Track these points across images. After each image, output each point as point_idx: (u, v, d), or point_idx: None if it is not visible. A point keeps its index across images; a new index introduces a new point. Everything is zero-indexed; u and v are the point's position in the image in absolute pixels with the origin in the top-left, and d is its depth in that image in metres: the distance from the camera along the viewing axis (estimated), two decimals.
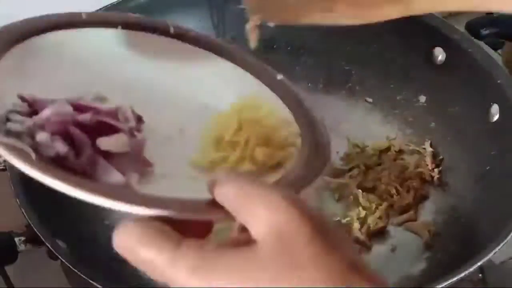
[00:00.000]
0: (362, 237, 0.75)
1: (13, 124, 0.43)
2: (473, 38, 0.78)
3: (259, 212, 0.37)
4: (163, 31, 0.60)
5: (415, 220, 0.77)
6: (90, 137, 0.45)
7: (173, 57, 0.59)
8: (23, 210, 0.61)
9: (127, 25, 0.59)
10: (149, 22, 0.61)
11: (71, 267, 0.58)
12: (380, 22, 0.81)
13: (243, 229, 0.38)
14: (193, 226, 0.40)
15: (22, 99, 0.46)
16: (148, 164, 0.47)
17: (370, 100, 0.86)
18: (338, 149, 0.83)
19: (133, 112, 0.49)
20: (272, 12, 0.61)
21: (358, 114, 0.86)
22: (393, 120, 0.84)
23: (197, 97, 0.56)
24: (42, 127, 0.44)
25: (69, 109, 0.46)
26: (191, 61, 0.60)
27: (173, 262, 0.37)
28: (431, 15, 0.81)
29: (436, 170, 0.79)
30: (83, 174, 0.44)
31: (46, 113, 0.45)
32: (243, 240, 0.37)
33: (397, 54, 0.83)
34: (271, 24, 0.67)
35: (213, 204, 0.40)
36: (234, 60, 0.60)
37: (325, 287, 0.35)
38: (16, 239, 0.62)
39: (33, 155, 0.42)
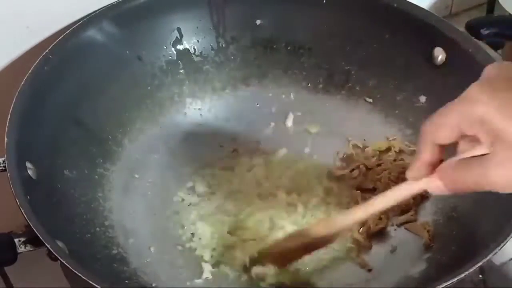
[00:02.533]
0: (362, 238, 0.75)
1: None
2: (473, 38, 0.77)
3: None
4: None
5: (415, 220, 0.77)
6: None
7: None
8: (23, 211, 0.61)
9: None
10: None
11: (70, 268, 0.58)
12: (381, 22, 0.82)
13: None
14: None
15: None
16: None
17: (370, 100, 0.85)
18: (338, 150, 0.84)
19: None
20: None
21: (358, 114, 0.86)
22: (393, 120, 0.84)
23: None
24: None
25: None
26: None
27: None
28: (431, 15, 0.81)
29: None
30: None
31: None
32: None
33: (397, 54, 0.83)
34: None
35: None
36: None
37: None
38: (16, 240, 0.62)
39: None
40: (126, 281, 0.69)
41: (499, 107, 0.48)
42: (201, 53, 0.86)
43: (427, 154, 0.54)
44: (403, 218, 0.77)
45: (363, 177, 0.80)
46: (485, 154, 0.50)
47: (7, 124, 0.67)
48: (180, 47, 0.85)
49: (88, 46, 0.77)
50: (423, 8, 0.81)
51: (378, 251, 0.75)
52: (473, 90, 0.50)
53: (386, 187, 0.78)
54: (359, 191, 0.79)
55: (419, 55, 0.81)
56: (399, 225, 0.77)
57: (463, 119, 0.50)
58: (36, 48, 0.77)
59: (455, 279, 0.59)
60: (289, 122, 0.87)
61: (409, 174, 0.57)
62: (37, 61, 0.72)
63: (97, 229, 0.73)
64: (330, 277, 0.73)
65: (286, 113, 0.87)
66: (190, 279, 0.73)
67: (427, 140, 0.53)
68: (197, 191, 0.80)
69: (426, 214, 0.77)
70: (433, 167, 0.55)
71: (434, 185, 0.54)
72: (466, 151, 0.52)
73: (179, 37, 0.84)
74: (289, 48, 0.87)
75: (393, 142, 0.83)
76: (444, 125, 0.51)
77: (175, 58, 0.85)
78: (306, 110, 0.87)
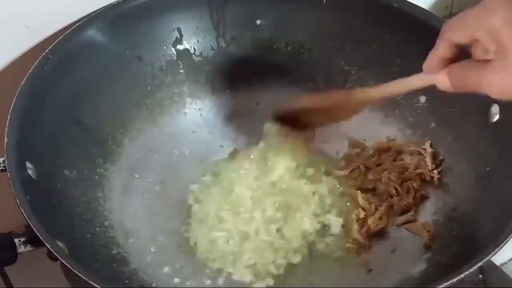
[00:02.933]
0: (362, 238, 0.75)
1: None
2: None
3: None
4: None
5: (415, 220, 0.77)
6: None
7: None
8: (23, 211, 0.61)
9: None
10: None
11: (70, 268, 0.58)
12: (381, 22, 0.82)
13: None
14: None
15: None
16: None
17: None
18: (338, 150, 0.84)
19: None
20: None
21: (358, 114, 0.85)
22: (393, 120, 0.84)
23: None
24: None
25: None
26: None
27: None
28: (431, 15, 0.81)
29: (436, 170, 0.79)
30: None
31: None
32: None
33: (397, 54, 0.83)
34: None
35: None
36: None
37: None
38: (16, 240, 0.62)
39: None
40: (126, 281, 0.69)
41: (510, 21, 0.52)
42: (201, 53, 0.86)
43: (441, 49, 0.59)
44: (403, 218, 0.77)
45: (363, 177, 0.80)
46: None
47: (7, 124, 0.67)
48: (180, 47, 0.85)
49: (88, 46, 0.77)
50: (423, 8, 0.81)
51: (378, 251, 0.75)
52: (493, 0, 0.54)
53: (386, 188, 0.78)
54: (359, 191, 0.79)
55: (419, 55, 0.80)
56: (399, 225, 0.77)
57: (476, 25, 0.54)
58: (36, 48, 0.77)
59: (455, 279, 0.59)
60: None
61: (424, 65, 0.62)
62: (37, 61, 0.72)
63: (97, 229, 0.73)
64: (330, 277, 0.73)
65: None
66: (190, 279, 0.73)
67: (444, 38, 0.58)
68: (197, 191, 0.80)
69: (426, 214, 0.77)
70: (446, 63, 0.59)
71: (442, 79, 0.59)
72: (477, 55, 0.56)
73: (179, 37, 0.84)
74: (289, 48, 0.87)
75: (393, 142, 0.83)
76: (460, 27, 0.56)
77: (175, 58, 0.85)
78: None
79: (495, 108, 0.73)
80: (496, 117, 0.74)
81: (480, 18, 0.54)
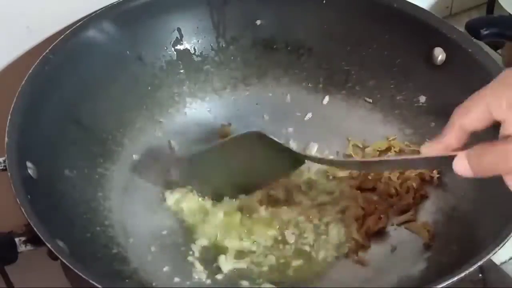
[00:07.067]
0: (361, 237, 0.75)
1: None
2: (473, 38, 0.77)
3: None
4: None
5: (414, 220, 0.77)
6: None
7: None
8: (23, 210, 0.61)
9: None
10: None
11: (71, 267, 0.58)
12: (381, 22, 0.82)
13: None
14: None
15: None
16: None
17: (370, 100, 0.85)
18: (338, 149, 0.84)
19: None
20: None
21: (358, 114, 0.86)
22: (393, 120, 0.84)
23: None
24: None
25: None
26: None
27: None
28: (431, 15, 0.81)
29: (436, 170, 0.79)
30: None
31: None
32: None
33: (397, 54, 0.83)
34: None
35: None
36: None
37: None
38: (16, 239, 0.62)
39: None
40: (127, 280, 0.69)
41: None
42: (201, 53, 0.86)
43: (451, 137, 0.51)
44: (403, 218, 0.77)
45: (363, 177, 0.80)
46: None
47: (7, 124, 0.67)
48: (180, 47, 0.85)
49: (88, 46, 0.77)
50: (423, 9, 0.81)
51: (378, 250, 0.75)
52: (506, 74, 0.48)
53: (386, 187, 0.78)
54: (359, 191, 0.79)
55: (419, 55, 0.81)
56: (399, 225, 0.77)
57: (492, 102, 0.47)
58: (36, 48, 0.77)
59: (455, 279, 0.59)
60: (289, 123, 0.87)
61: (424, 150, 0.54)
62: (37, 61, 0.72)
63: (97, 228, 0.73)
64: (330, 277, 0.73)
65: (285, 113, 0.87)
66: (190, 278, 0.73)
67: (455, 124, 0.51)
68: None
69: (426, 214, 0.77)
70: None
71: (461, 163, 0.51)
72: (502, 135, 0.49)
73: (179, 37, 0.84)
74: (289, 48, 0.87)
75: (393, 142, 0.83)
76: (474, 107, 0.49)
77: (175, 58, 0.85)
78: (305, 110, 0.87)
79: None
80: None
81: (495, 94, 0.47)
